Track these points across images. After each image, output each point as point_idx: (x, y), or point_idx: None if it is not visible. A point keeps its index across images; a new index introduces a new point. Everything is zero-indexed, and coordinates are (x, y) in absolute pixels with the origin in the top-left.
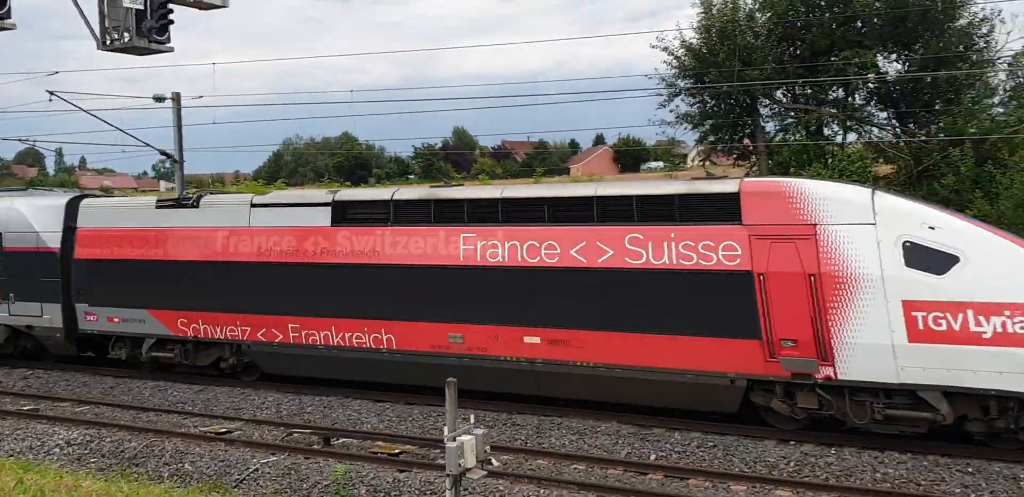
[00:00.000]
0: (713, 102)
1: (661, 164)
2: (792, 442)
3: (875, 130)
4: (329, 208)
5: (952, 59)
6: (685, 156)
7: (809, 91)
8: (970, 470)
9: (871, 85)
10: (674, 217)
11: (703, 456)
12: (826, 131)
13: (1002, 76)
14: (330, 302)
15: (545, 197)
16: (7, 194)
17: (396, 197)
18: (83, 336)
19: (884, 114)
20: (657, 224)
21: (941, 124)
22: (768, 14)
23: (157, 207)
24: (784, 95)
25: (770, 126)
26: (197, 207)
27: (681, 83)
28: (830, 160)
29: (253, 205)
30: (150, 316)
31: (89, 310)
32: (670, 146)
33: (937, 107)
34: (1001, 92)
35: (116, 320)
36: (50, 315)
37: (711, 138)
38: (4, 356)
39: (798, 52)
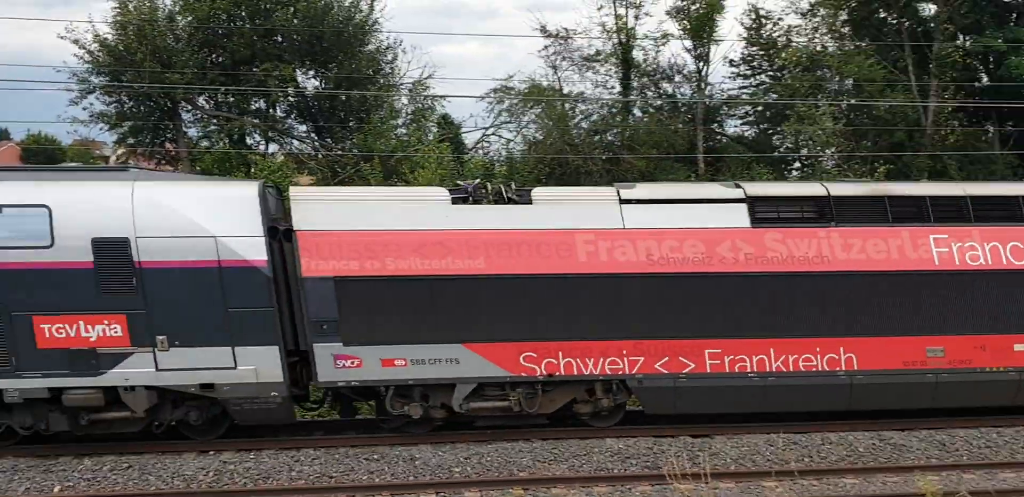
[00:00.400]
0: (132, 103)
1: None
2: (212, 452)
3: (295, 142)
4: (744, 205)
5: (363, 80)
6: (107, 158)
7: (232, 99)
8: (376, 457)
9: (291, 99)
10: None
11: (116, 479)
12: (249, 140)
13: (404, 100)
14: (767, 319)
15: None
16: (105, 176)
17: (835, 193)
18: (327, 392)
19: (304, 127)
20: None
21: (354, 140)
22: (189, 18)
23: (454, 202)
24: (207, 102)
25: (193, 131)
26: (529, 203)
27: (95, 80)
28: (253, 169)
29: (624, 201)
30: (469, 353)
31: (343, 352)
32: (87, 146)
33: (351, 124)
34: (404, 114)
35: (401, 363)
36: (255, 365)
37: (131, 140)
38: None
39: (220, 59)
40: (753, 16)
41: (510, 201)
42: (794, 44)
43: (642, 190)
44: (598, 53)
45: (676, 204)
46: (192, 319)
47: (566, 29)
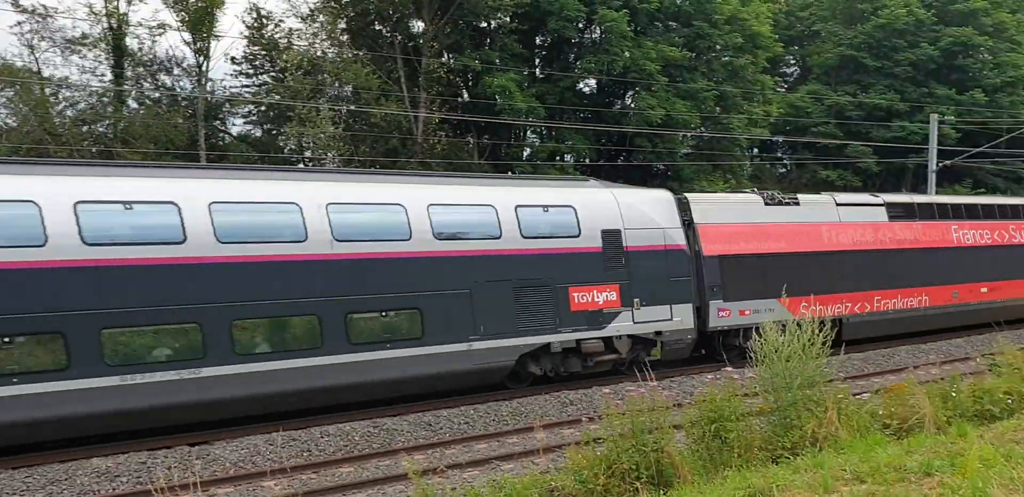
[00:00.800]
0: None
1: None
2: None
3: None
4: (884, 207)
5: None
6: None
7: None
8: None
9: None
10: None
11: None
12: None
13: None
14: (895, 278)
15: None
16: (587, 184)
17: (916, 201)
18: (709, 334)
19: None
20: None
21: None
22: None
23: (766, 205)
24: None
25: None
26: (798, 205)
27: None
28: None
29: (838, 204)
30: (778, 304)
31: (723, 306)
32: None
33: None
34: None
35: (748, 312)
36: (680, 317)
37: None
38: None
39: None
40: (255, 15)
41: (788, 203)
42: (295, 47)
43: (842, 197)
44: (84, 36)
45: (857, 207)
46: (651, 286)
47: (44, 6)
